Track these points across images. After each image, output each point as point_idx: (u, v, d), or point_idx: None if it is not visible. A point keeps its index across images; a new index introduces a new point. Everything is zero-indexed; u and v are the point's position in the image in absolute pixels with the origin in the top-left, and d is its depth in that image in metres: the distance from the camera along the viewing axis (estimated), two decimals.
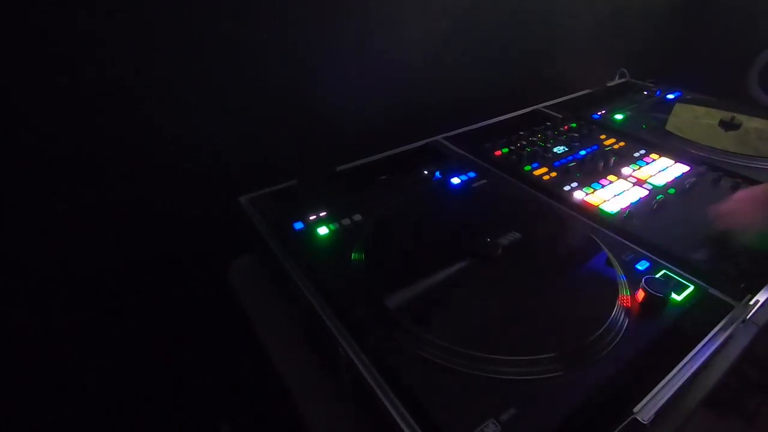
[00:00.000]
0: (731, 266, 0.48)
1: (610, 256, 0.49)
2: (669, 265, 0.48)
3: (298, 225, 0.53)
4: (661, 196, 0.59)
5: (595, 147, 0.73)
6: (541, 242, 0.53)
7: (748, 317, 0.44)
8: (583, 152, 0.72)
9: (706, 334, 0.41)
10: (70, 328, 0.62)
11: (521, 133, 0.78)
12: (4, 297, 0.56)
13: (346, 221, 0.54)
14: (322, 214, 0.55)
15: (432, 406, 0.34)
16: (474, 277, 0.46)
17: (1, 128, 0.49)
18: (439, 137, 0.78)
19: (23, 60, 0.47)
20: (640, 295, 0.42)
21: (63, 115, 0.51)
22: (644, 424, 0.34)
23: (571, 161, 0.69)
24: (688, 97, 0.92)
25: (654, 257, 0.49)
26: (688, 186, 0.61)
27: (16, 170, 0.51)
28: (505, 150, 0.73)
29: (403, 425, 0.33)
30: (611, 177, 0.64)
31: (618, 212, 0.57)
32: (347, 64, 0.71)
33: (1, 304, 0.56)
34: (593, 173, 0.65)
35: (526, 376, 0.36)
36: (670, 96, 0.93)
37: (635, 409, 0.34)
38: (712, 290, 0.45)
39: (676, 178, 0.64)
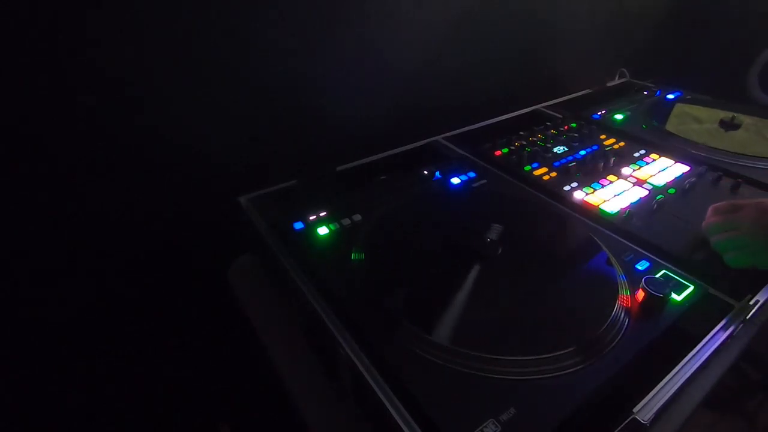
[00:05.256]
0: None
1: (610, 256, 0.49)
2: (669, 265, 0.48)
3: (298, 225, 0.53)
4: (661, 196, 0.59)
5: (595, 147, 0.73)
6: (540, 242, 0.53)
7: (748, 317, 0.43)
8: (583, 152, 0.71)
9: (706, 334, 0.41)
10: (70, 328, 0.62)
11: (521, 133, 0.78)
12: (4, 295, 0.56)
13: (346, 221, 0.54)
14: (322, 214, 0.55)
15: (432, 406, 0.34)
16: (474, 277, 0.46)
17: (5, 132, 0.49)
18: (439, 137, 0.78)
19: (24, 63, 0.47)
20: (640, 295, 0.42)
21: (62, 117, 0.51)
22: (644, 424, 0.34)
23: (571, 161, 0.69)
24: (688, 97, 0.92)
25: (654, 257, 0.49)
26: (688, 186, 0.61)
27: (18, 173, 0.51)
28: (505, 150, 0.73)
29: (402, 425, 0.33)
30: (611, 177, 0.64)
31: (618, 212, 0.57)
32: (347, 65, 0.71)
33: (2, 303, 0.56)
34: (593, 173, 0.65)
35: (526, 376, 0.36)
36: (670, 96, 0.93)
37: (635, 409, 0.34)
38: (712, 290, 0.45)
39: (676, 178, 0.64)
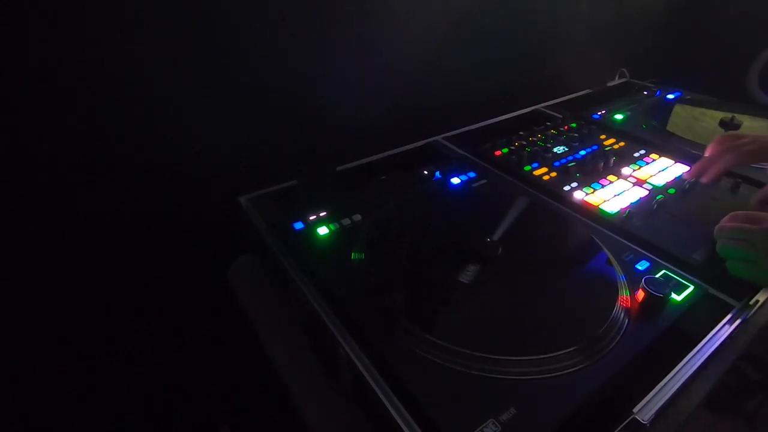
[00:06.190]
0: None
1: (610, 256, 0.49)
2: (669, 265, 0.48)
3: (298, 225, 0.53)
4: (661, 196, 0.59)
5: (595, 147, 0.73)
6: (540, 242, 0.53)
7: (748, 317, 0.43)
8: (583, 152, 0.71)
9: (706, 334, 0.41)
10: (70, 328, 0.62)
11: (521, 133, 0.77)
12: (4, 295, 0.56)
13: (346, 221, 0.54)
14: (322, 214, 0.55)
15: (432, 406, 0.34)
16: (474, 277, 0.46)
17: (5, 132, 0.49)
18: (439, 137, 0.78)
19: (24, 63, 0.47)
20: (640, 295, 0.42)
21: (61, 117, 0.51)
22: (644, 424, 0.34)
23: (571, 161, 0.69)
24: (688, 97, 0.92)
25: (654, 257, 0.49)
26: (688, 186, 0.61)
27: (18, 173, 0.51)
28: (505, 150, 0.73)
29: (402, 425, 0.33)
30: (611, 177, 0.64)
31: (618, 212, 0.57)
32: (347, 65, 0.71)
33: (2, 303, 0.56)
34: (593, 173, 0.65)
35: (526, 376, 0.36)
36: (670, 96, 0.93)
37: (635, 409, 0.34)
38: (712, 290, 0.45)
39: (676, 178, 0.64)
